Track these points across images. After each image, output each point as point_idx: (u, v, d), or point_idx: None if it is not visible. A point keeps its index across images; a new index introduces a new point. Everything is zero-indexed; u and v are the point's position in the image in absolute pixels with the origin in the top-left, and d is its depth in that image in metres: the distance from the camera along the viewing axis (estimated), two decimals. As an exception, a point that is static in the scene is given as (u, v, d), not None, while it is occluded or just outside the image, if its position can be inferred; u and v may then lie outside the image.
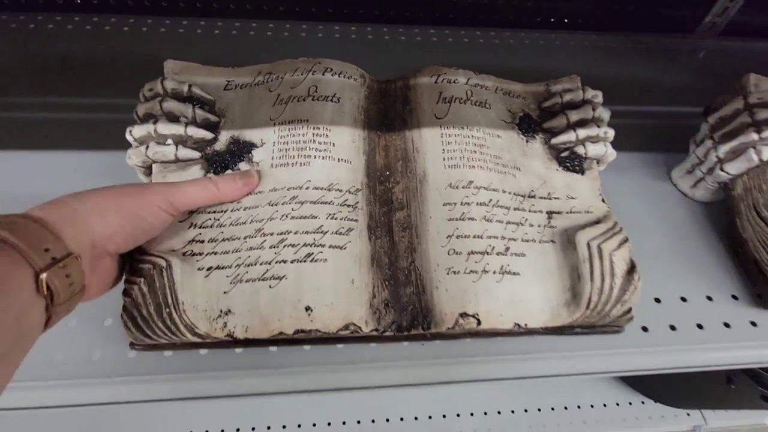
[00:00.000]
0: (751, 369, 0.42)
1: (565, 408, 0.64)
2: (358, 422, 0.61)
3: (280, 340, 0.25)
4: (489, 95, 0.32)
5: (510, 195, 0.28)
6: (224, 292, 0.23)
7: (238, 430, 0.58)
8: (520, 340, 0.28)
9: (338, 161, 0.28)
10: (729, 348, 0.29)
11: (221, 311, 0.23)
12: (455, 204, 0.27)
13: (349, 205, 0.27)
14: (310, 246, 0.25)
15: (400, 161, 0.29)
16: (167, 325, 0.23)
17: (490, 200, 0.27)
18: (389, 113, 0.31)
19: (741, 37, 0.58)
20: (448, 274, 0.25)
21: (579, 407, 0.64)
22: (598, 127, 0.29)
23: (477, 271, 0.25)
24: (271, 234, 0.25)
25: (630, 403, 0.65)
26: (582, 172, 0.30)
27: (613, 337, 0.28)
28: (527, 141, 0.31)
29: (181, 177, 0.27)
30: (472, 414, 0.63)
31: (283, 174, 0.27)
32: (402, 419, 0.61)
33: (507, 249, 0.26)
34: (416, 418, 0.62)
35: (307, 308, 0.23)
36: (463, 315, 0.24)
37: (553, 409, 0.64)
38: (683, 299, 0.30)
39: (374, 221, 0.27)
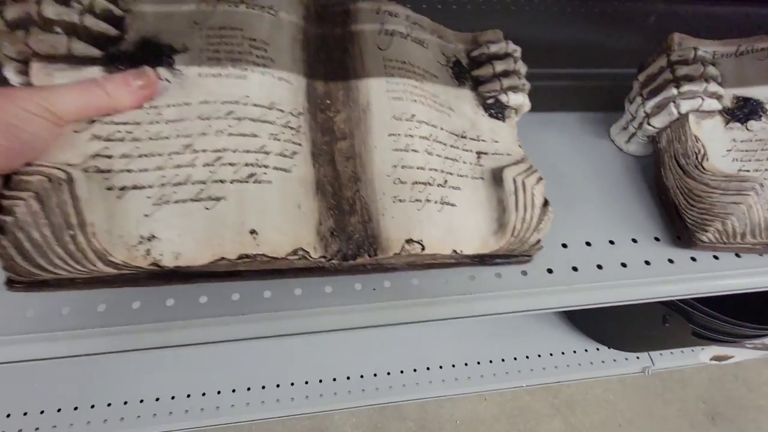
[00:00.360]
0: (683, 308, 0.46)
1: (527, 357, 0.69)
2: (334, 379, 0.64)
3: (211, 273, 0.24)
4: (426, 36, 0.33)
5: (446, 133, 0.29)
6: (145, 215, 0.21)
7: (204, 394, 0.61)
8: (462, 282, 0.31)
9: (279, 80, 0.26)
10: (648, 283, 0.32)
11: (142, 237, 0.21)
12: (400, 135, 0.28)
13: (292, 128, 0.26)
14: (253, 166, 0.23)
15: (341, 90, 0.28)
16: (70, 252, 0.20)
17: (431, 135, 0.29)
18: (328, 38, 0.31)
19: (688, 1, 0.61)
20: (394, 202, 0.26)
21: (539, 356, 0.69)
22: (519, 78, 0.32)
23: (421, 200, 0.26)
24: (204, 151, 0.23)
25: (586, 350, 0.71)
26: (503, 119, 0.32)
27: (547, 277, 0.31)
28: (459, 85, 0.32)
29: (73, 79, 0.23)
30: (441, 367, 0.67)
31: (215, 86, 0.25)
32: (375, 375, 0.65)
33: (445, 182, 0.27)
34: (389, 373, 0.66)
35: (252, 231, 0.22)
36: (409, 241, 0.25)
37: (515, 358, 0.69)
38: (611, 242, 0.34)
39: (317, 149, 0.26)
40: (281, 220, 0.23)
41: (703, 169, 0.32)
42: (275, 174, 0.24)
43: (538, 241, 0.28)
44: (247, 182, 0.23)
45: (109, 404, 0.58)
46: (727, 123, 0.34)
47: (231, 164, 0.23)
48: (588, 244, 0.33)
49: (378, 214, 0.25)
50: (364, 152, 0.27)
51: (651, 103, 0.34)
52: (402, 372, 0.66)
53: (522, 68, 0.33)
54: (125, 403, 0.59)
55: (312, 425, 0.77)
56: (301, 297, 0.29)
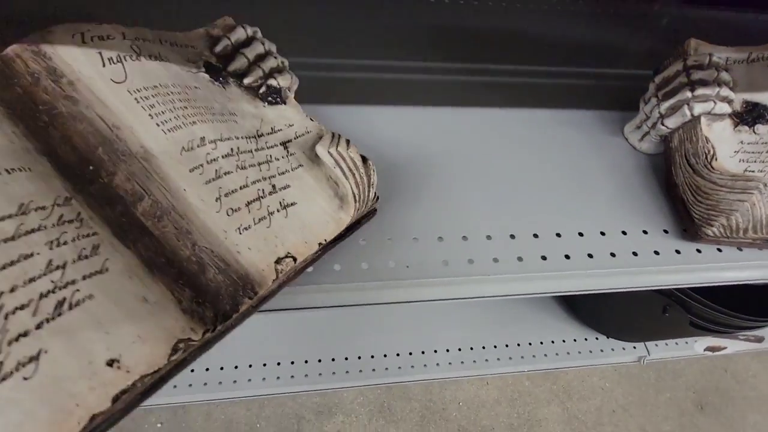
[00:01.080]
0: (682, 298, 0.49)
1: (529, 344, 0.72)
2: (346, 359, 0.67)
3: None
4: (157, 48, 0.28)
5: (245, 139, 0.28)
6: None
7: (222, 368, 0.64)
8: (485, 265, 0.33)
9: (8, 173, 0.20)
10: (657, 271, 0.35)
11: None
12: (202, 165, 0.25)
13: (71, 221, 0.20)
14: (54, 292, 0.18)
15: (99, 147, 0.23)
16: None
17: (232, 149, 0.27)
18: (37, 95, 0.23)
19: (701, 5, 0.63)
20: (240, 233, 0.24)
21: (541, 343, 0.73)
22: (275, 58, 0.31)
23: (264, 216, 0.25)
24: None
25: (585, 339, 0.74)
26: (284, 102, 0.31)
27: (565, 262, 0.34)
28: (224, 87, 0.30)
29: None
30: (447, 350, 0.70)
31: None
32: (385, 355, 0.68)
33: (274, 186, 0.26)
34: (398, 355, 0.69)
35: (110, 362, 0.18)
36: (278, 261, 0.24)
37: (518, 345, 0.72)
38: (623, 232, 0.36)
39: (117, 227, 0.21)
40: (135, 327, 0.19)
41: (712, 168, 0.34)
42: (90, 284, 0.19)
43: (375, 194, 0.30)
44: (60, 315, 0.18)
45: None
46: (735, 126, 0.36)
47: (21, 308, 0.17)
48: (602, 233, 0.36)
49: (233, 254, 0.23)
50: (174, 202, 0.23)
51: (666, 105, 0.37)
52: (410, 354, 0.69)
53: (272, 47, 0.31)
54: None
55: (322, 402, 0.80)
56: (340, 272, 0.31)
